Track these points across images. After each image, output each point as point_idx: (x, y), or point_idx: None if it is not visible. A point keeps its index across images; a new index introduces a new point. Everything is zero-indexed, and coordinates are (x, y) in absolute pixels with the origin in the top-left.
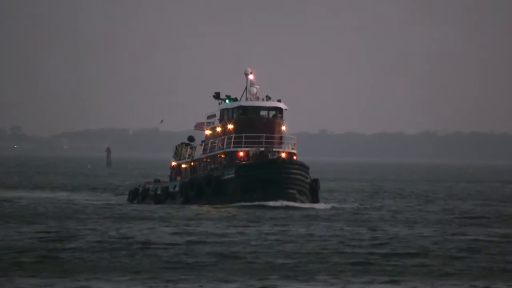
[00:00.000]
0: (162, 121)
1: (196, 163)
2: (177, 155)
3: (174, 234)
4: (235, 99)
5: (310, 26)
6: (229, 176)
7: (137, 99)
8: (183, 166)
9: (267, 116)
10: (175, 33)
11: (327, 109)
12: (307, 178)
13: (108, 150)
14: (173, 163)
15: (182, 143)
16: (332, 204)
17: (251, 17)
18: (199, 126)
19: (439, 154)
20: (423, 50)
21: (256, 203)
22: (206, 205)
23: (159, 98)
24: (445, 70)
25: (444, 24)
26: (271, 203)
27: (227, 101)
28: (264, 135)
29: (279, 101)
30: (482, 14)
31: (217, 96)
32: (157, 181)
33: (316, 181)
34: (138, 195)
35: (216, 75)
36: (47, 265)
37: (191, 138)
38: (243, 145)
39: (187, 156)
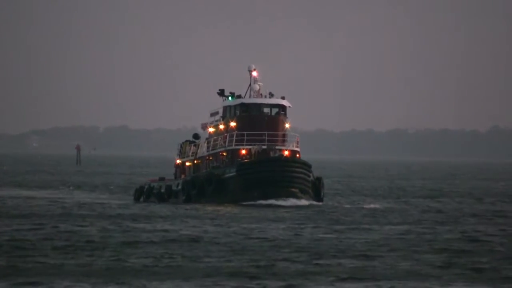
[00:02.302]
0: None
1: (199, 161)
2: (182, 153)
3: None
4: (239, 96)
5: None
6: (230, 174)
7: (107, 96)
8: (187, 164)
9: (269, 114)
10: (147, 28)
11: (297, 107)
12: (309, 176)
13: (78, 148)
14: (178, 161)
15: (186, 141)
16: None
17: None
18: (205, 127)
19: (409, 151)
20: (394, 47)
21: (257, 202)
22: (207, 204)
23: (127, 95)
24: (416, 67)
25: (414, 19)
26: (272, 202)
27: (229, 98)
28: (266, 132)
29: (282, 98)
30: (446, 12)
31: (221, 93)
32: (162, 179)
33: (319, 179)
34: (143, 193)
35: (215, 71)
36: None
37: (196, 136)
38: (245, 143)
39: (190, 154)
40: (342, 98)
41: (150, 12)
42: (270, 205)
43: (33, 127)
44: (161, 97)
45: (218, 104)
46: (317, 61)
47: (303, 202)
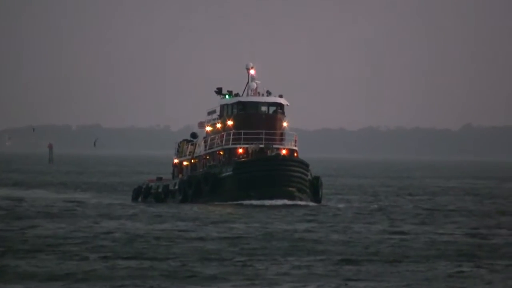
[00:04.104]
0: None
1: (197, 160)
2: (179, 152)
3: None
4: (237, 95)
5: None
6: (227, 173)
7: (79, 95)
8: (185, 163)
9: (267, 112)
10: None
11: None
12: (307, 175)
13: (50, 147)
14: (175, 161)
15: (184, 140)
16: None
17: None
18: (203, 125)
19: (382, 150)
20: (366, 45)
21: (254, 201)
22: (204, 204)
23: (101, 93)
24: (388, 65)
25: (381, 19)
26: (269, 202)
27: (227, 96)
28: (264, 131)
29: (280, 96)
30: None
31: (219, 91)
32: (159, 178)
33: (317, 178)
34: (141, 193)
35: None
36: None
37: (194, 135)
38: (242, 142)
39: (188, 153)
40: (312, 97)
41: (137, 10)
42: (265, 205)
43: (6, 126)
44: (134, 95)
45: (202, 102)
46: (308, 60)
47: (300, 202)
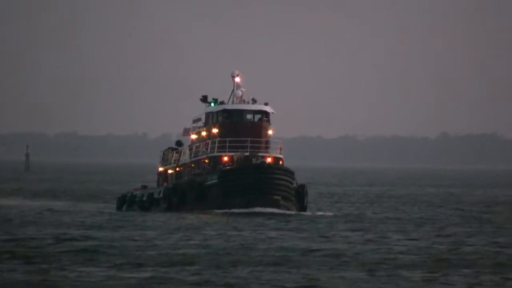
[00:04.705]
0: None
1: (182, 168)
2: (164, 160)
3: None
4: (222, 103)
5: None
6: (212, 181)
7: (55, 102)
8: (170, 171)
9: (252, 120)
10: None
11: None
12: (292, 183)
13: (26, 155)
14: (160, 169)
15: (169, 148)
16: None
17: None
18: (187, 132)
19: (359, 158)
20: (344, 53)
21: (239, 210)
22: (189, 212)
23: (81, 101)
24: (365, 74)
25: (363, 23)
26: (254, 210)
27: (212, 104)
28: (249, 139)
29: (266, 104)
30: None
31: (204, 99)
32: (144, 187)
33: (302, 186)
34: (125, 202)
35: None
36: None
37: (179, 143)
38: (227, 150)
39: (173, 161)
40: (291, 104)
41: (115, 16)
42: (251, 213)
43: None
44: (111, 103)
45: (180, 110)
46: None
47: (284, 210)
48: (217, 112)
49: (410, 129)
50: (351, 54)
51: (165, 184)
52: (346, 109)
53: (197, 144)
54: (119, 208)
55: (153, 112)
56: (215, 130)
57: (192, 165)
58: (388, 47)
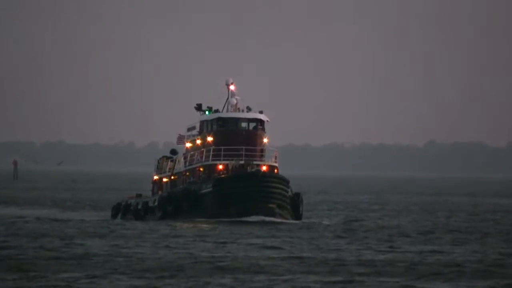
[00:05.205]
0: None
1: (177, 176)
2: (159, 169)
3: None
4: (217, 111)
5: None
6: (207, 190)
7: (43, 111)
8: (164, 180)
9: (247, 128)
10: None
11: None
12: (287, 192)
13: (15, 163)
14: (155, 177)
15: (163, 156)
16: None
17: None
18: (181, 140)
19: (346, 166)
20: (332, 60)
21: (234, 219)
22: (183, 221)
23: (64, 110)
24: (352, 81)
25: (353, 30)
26: (249, 219)
27: (206, 112)
28: (244, 147)
29: (260, 112)
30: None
31: (198, 107)
32: (139, 195)
33: (297, 195)
34: (120, 210)
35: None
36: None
37: (173, 151)
38: (222, 158)
39: (168, 169)
40: (277, 112)
41: (104, 24)
42: (245, 222)
43: None
44: (98, 112)
45: (167, 118)
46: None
47: (280, 219)
48: (212, 120)
49: (397, 137)
50: (339, 61)
51: (160, 192)
52: (334, 117)
53: (191, 153)
54: (114, 216)
55: (139, 121)
56: (209, 139)
57: (187, 174)
58: (375, 56)
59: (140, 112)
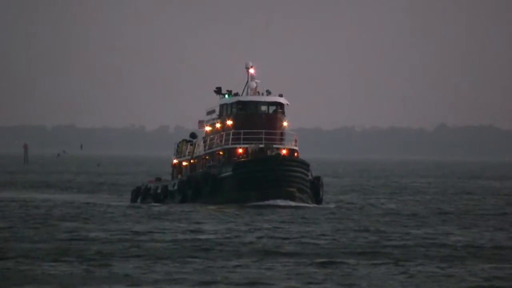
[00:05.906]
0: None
1: (196, 160)
2: (178, 153)
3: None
4: (236, 94)
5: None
6: (226, 174)
7: (54, 95)
8: (184, 163)
9: (267, 112)
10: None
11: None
12: (307, 175)
13: (25, 147)
14: (175, 161)
15: (183, 140)
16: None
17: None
18: (202, 125)
19: (358, 150)
20: (344, 45)
21: (254, 202)
22: (203, 204)
23: (76, 93)
24: (365, 65)
25: (366, 16)
26: (269, 203)
27: (226, 96)
28: (263, 131)
29: (280, 95)
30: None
31: (218, 91)
32: (158, 179)
33: (318, 178)
34: (140, 194)
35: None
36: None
37: (193, 135)
38: (242, 142)
39: (187, 153)
40: (289, 96)
41: (118, 8)
42: (265, 206)
43: None
44: (108, 95)
45: (178, 102)
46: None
47: (299, 203)
48: (231, 104)
49: (408, 121)
50: (351, 46)
51: (179, 176)
52: (345, 101)
53: (211, 136)
54: (133, 200)
55: (151, 104)
56: (229, 122)
57: (207, 157)
58: (388, 37)
59: (151, 95)
